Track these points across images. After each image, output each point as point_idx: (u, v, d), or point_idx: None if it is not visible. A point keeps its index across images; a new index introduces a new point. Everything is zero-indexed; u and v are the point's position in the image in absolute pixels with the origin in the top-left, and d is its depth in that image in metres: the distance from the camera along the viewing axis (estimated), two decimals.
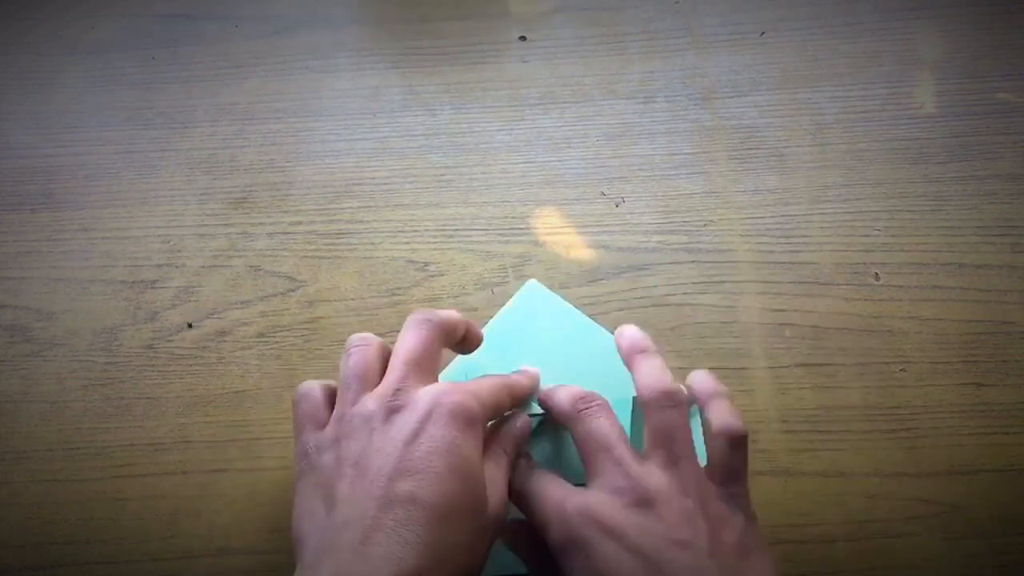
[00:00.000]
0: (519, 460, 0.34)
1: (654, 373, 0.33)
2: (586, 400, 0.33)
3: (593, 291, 0.44)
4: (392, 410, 0.31)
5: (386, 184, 0.48)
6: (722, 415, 0.32)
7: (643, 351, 0.34)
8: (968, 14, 0.52)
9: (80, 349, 0.43)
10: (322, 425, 0.32)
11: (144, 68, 0.54)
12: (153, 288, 0.45)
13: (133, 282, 0.45)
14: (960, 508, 0.37)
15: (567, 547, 0.30)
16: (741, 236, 0.45)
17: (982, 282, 0.43)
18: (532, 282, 0.42)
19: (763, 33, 0.53)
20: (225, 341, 0.43)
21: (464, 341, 0.36)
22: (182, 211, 0.48)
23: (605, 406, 0.33)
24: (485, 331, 0.38)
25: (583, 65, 0.52)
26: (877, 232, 0.45)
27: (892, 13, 0.53)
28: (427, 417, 0.30)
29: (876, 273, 0.43)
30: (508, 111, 0.50)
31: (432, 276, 0.45)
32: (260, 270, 0.45)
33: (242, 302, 0.44)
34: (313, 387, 0.34)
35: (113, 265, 0.46)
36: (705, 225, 0.45)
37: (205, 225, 0.47)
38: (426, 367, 0.33)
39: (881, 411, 0.40)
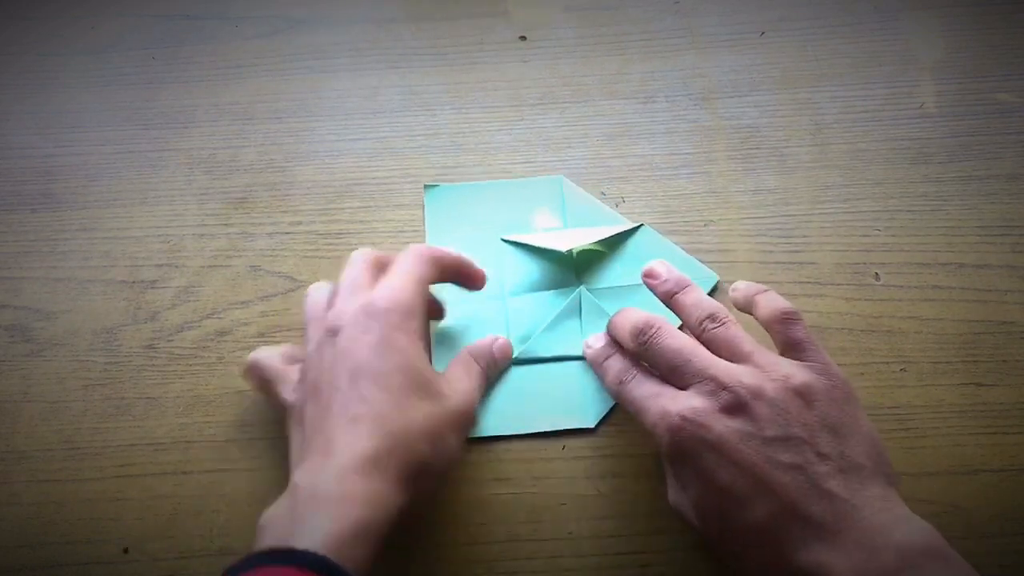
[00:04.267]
0: (630, 372, 0.35)
1: (698, 301, 0.36)
2: (645, 331, 0.35)
3: None
4: (331, 332, 0.34)
5: (386, 184, 0.48)
6: (769, 303, 0.35)
7: (682, 288, 0.36)
8: (968, 14, 0.52)
9: (80, 349, 0.43)
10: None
11: (144, 68, 0.54)
12: (153, 288, 0.45)
13: (133, 282, 0.45)
14: (960, 508, 0.37)
15: (676, 457, 0.32)
16: (741, 236, 0.45)
17: (982, 282, 0.43)
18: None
19: (763, 33, 0.53)
20: (225, 341, 0.43)
21: (461, 278, 0.40)
22: (182, 211, 0.48)
23: (665, 325, 0.35)
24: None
25: (583, 65, 0.52)
26: (877, 232, 0.45)
27: (892, 13, 0.53)
28: (360, 329, 0.33)
29: (876, 273, 0.43)
30: (508, 111, 0.50)
31: None
32: (260, 270, 0.45)
33: (242, 302, 0.44)
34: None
35: (113, 265, 0.46)
36: (705, 225, 0.45)
37: (205, 225, 0.47)
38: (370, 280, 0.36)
39: (881, 411, 0.40)
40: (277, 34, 0.55)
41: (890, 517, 0.29)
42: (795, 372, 0.32)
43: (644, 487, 0.38)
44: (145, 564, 0.37)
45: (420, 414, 0.32)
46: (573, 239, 0.43)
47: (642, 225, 0.45)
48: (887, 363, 0.41)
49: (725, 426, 0.30)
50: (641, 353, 0.35)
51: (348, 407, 0.31)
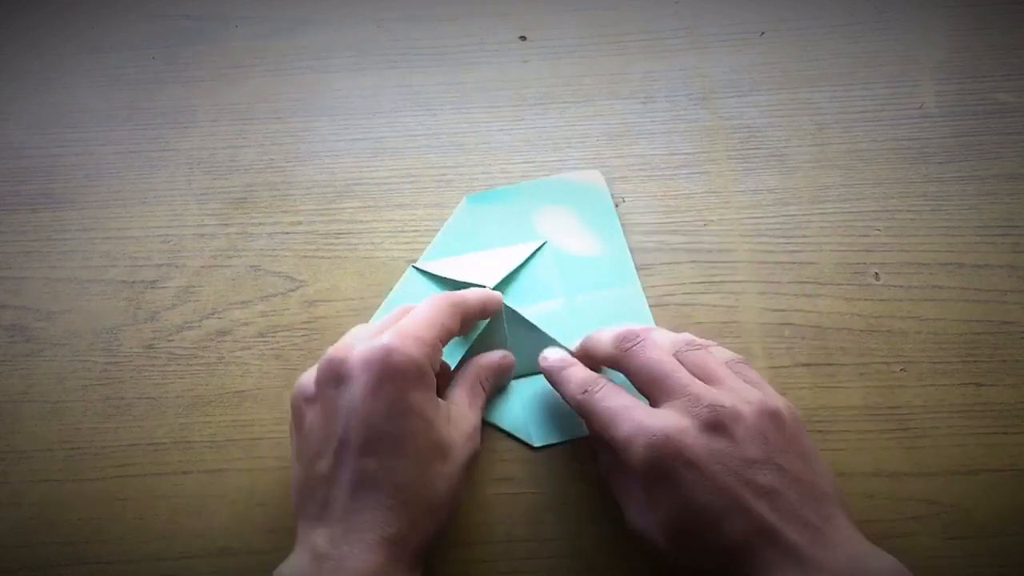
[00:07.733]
0: (598, 383, 0.34)
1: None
2: (629, 338, 0.34)
3: None
4: (339, 379, 0.32)
5: (386, 184, 0.48)
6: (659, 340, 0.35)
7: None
8: (968, 14, 0.52)
9: (80, 349, 0.43)
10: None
11: (144, 68, 0.54)
12: (153, 288, 0.45)
13: (133, 282, 0.45)
14: (960, 508, 0.37)
15: (651, 475, 0.31)
16: (741, 236, 0.45)
17: (982, 282, 0.43)
18: (467, 199, 0.46)
19: (763, 33, 0.53)
20: (225, 341, 0.43)
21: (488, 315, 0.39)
22: (182, 211, 0.48)
23: (651, 337, 0.34)
24: (428, 249, 0.45)
25: (583, 65, 0.52)
26: (877, 232, 0.45)
27: (893, 13, 0.53)
28: (373, 384, 0.31)
29: (876, 273, 0.43)
30: (508, 111, 0.50)
31: None
32: (260, 270, 0.45)
33: (242, 302, 0.44)
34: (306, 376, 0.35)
35: (113, 265, 0.46)
36: (705, 225, 0.45)
37: (205, 225, 0.47)
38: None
39: (881, 411, 0.40)
40: (277, 34, 0.55)
41: (861, 548, 0.29)
42: (766, 398, 0.32)
43: None
44: (145, 564, 0.37)
45: (441, 483, 0.31)
46: (488, 268, 0.43)
47: (545, 243, 0.45)
48: (887, 363, 0.41)
49: (705, 445, 0.30)
50: (620, 360, 0.34)
51: (368, 487, 0.30)
